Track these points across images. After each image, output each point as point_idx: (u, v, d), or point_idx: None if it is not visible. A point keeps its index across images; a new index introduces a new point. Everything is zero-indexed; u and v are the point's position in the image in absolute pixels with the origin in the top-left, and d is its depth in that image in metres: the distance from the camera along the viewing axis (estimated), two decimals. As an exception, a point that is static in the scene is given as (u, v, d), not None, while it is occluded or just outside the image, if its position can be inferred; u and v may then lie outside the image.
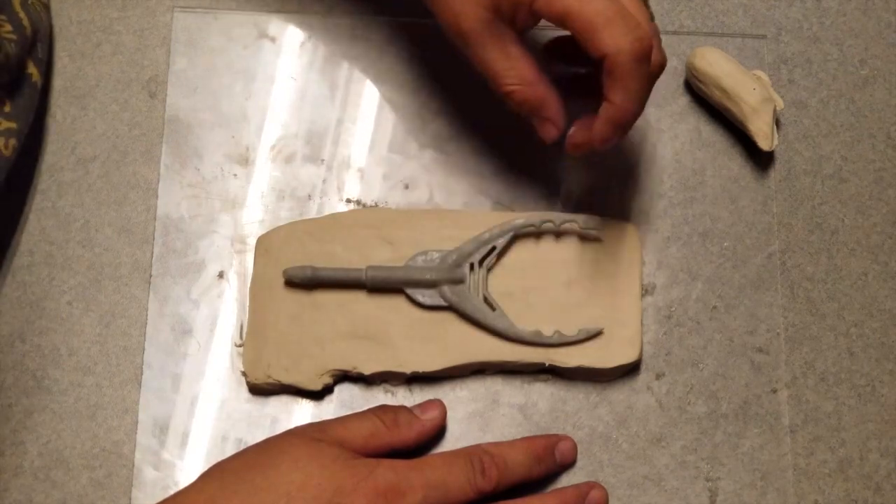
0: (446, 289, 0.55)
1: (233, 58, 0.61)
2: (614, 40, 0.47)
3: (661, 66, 0.51)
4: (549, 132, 0.52)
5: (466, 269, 0.56)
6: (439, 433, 0.56)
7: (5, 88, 0.55)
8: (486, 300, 0.55)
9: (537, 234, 0.58)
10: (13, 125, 0.55)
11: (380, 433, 0.52)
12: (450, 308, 0.55)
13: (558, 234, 0.58)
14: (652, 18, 0.59)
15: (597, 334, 0.55)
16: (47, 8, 0.60)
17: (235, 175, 0.60)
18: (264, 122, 0.60)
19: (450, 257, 0.55)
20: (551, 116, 0.52)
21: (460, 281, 0.55)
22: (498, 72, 0.51)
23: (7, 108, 0.55)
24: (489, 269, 0.56)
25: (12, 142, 0.55)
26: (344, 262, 0.57)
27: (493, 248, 0.56)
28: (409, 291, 0.55)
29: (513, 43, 0.50)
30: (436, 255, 0.56)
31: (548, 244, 0.58)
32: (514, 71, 0.51)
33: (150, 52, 0.61)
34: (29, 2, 0.58)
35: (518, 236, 0.57)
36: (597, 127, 0.50)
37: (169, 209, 0.59)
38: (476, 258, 0.56)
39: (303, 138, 0.60)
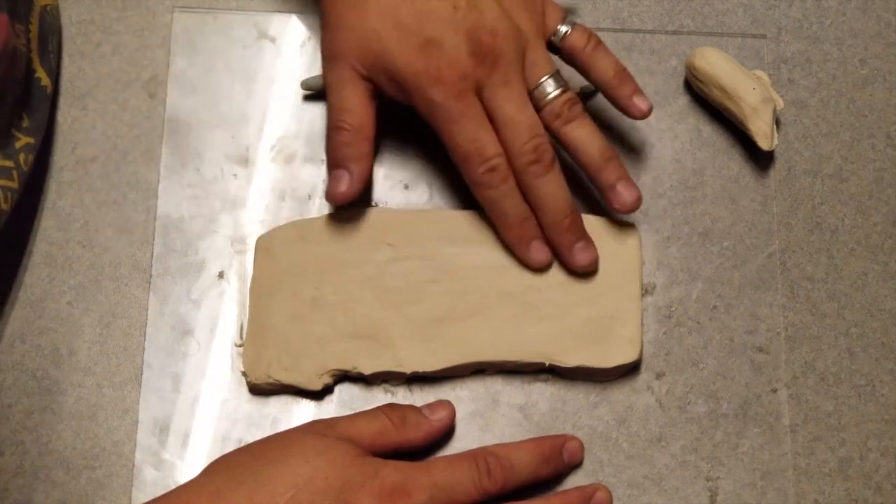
0: None
1: (233, 58, 0.61)
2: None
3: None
4: (339, 187, 0.55)
5: None
6: (446, 434, 0.55)
7: (20, 102, 0.55)
8: None
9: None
10: (31, 140, 0.55)
11: (388, 431, 0.52)
12: None
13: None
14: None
15: None
16: (59, 12, 0.60)
17: (235, 175, 0.60)
18: (264, 122, 0.60)
19: None
20: (355, 173, 0.55)
21: None
22: (340, 108, 0.55)
23: (25, 123, 0.55)
24: None
25: (30, 157, 0.55)
26: (344, 263, 0.56)
27: None
28: None
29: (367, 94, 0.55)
30: None
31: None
32: (352, 115, 0.55)
33: (149, 52, 0.61)
34: (48, 8, 0.57)
35: None
36: None
37: (169, 209, 0.59)
38: None
39: (303, 138, 0.60)
